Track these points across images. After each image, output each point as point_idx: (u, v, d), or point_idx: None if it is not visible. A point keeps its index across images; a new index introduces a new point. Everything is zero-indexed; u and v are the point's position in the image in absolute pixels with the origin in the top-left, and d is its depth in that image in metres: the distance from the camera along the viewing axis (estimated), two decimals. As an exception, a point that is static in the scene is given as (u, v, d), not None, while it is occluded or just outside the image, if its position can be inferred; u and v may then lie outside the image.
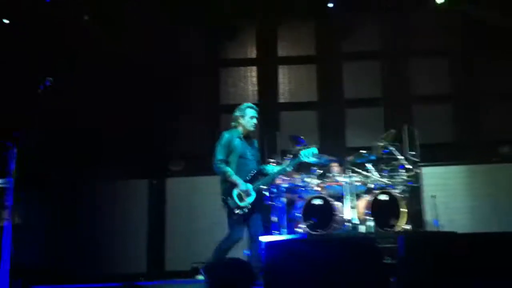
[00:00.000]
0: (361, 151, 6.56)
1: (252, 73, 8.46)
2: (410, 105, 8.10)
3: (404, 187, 6.42)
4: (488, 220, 6.56)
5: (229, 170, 5.17)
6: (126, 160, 7.29)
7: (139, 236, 6.81)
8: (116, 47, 7.66)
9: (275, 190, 6.56)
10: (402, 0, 8.18)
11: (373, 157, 6.59)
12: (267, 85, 8.41)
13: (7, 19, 7.40)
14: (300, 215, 6.22)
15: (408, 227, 6.16)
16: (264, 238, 6.16)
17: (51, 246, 6.74)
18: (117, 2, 7.77)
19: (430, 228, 6.52)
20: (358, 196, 6.41)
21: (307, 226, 6.13)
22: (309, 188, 6.49)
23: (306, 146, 6.70)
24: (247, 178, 5.21)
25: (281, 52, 8.56)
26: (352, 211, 6.25)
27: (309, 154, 5.45)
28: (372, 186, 6.48)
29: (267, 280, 4.01)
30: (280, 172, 5.52)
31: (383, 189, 6.32)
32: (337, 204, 6.28)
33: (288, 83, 8.46)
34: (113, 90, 7.60)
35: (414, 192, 6.62)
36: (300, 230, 6.22)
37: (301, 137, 6.84)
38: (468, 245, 3.75)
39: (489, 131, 7.70)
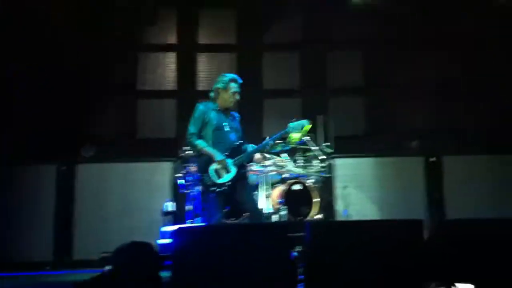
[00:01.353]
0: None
1: (171, 59, 8.29)
2: (327, 97, 8.26)
3: (317, 178, 6.57)
4: (396, 210, 6.80)
5: (201, 143, 4.82)
6: (32, 143, 6.93)
7: (46, 224, 6.50)
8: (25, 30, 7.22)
9: (190, 178, 6.49)
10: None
11: (288, 147, 6.65)
12: (186, 72, 8.27)
13: None
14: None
15: (320, 216, 6.30)
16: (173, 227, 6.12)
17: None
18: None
19: (340, 217, 6.69)
20: (273, 186, 6.47)
21: (221, 215, 6.10)
22: (224, 177, 6.45)
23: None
24: (226, 152, 4.84)
25: (202, 39, 8.45)
26: (267, 201, 6.30)
27: (298, 127, 4.95)
28: (287, 175, 6.56)
29: (175, 267, 3.95)
30: (263, 146, 5.03)
31: (297, 179, 6.42)
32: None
33: (209, 71, 8.37)
34: (22, 66, 7.18)
35: (326, 183, 6.78)
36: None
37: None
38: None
39: (400, 124, 8.00)
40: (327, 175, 6.64)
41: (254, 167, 6.52)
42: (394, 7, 7.94)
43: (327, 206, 6.69)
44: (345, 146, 7.18)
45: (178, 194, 6.63)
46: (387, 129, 7.93)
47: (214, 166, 4.77)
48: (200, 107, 4.96)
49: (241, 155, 4.89)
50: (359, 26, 8.06)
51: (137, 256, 4.04)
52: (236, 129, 5.04)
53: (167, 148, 7.42)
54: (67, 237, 6.49)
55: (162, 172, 6.85)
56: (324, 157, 6.47)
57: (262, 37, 8.52)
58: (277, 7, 8.30)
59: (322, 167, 6.50)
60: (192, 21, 8.44)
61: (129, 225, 6.49)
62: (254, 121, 8.23)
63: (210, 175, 4.76)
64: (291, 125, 4.97)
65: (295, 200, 6.26)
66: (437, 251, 3.81)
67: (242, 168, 4.94)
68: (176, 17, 8.44)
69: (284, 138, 5.08)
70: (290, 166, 6.52)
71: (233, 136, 4.95)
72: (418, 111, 7.92)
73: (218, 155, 4.77)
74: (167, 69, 8.27)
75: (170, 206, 6.50)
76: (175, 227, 6.05)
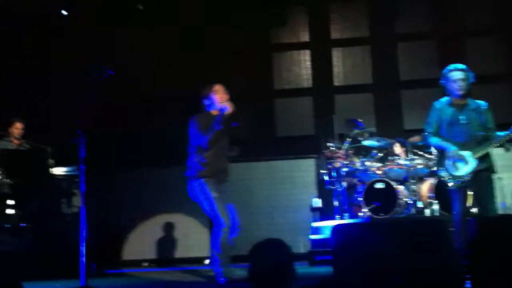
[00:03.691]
0: (422, 133, 6.42)
1: (305, 57, 8.38)
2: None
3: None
4: None
5: (434, 139, 4.76)
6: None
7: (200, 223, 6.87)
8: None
9: (334, 174, 6.53)
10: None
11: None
12: (321, 68, 8.31)
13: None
14: (362, 199, 6.16)
15: (474, 210, 6.01)
16: (326, 223, 6.18)
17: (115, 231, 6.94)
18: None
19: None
20: (420, 179, 6.30)
21: (370, 210, 6.07)
22: (369, 172, 6.41)
23: (365, 129, 6.64)
24: (462, 144, 4.63)
25: (334, 34, 8.44)
26: (415, 195, 6.16)
27: None
28: (435, 168, 6.34)
29: (336, 265, 3.98)
30: (508, 136, 4.62)
31: (447, 172, 6.17)
32: (399, 187, 6.18)
33: (343, 66, 8.34)
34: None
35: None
36: (362, 215, 6.16)
37: (359, 120, 6.78)
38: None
39: None
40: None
41: (400, 160, 6.41)
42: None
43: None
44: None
45: (323, 190, 6.69)
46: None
47: (451, 160, 4.66)
48: (435, 105, 4.90)
49: (481, 147, 4.61)
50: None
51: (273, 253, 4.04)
52: (476, 120, 4.71)
53: (307, 145, 7.51)
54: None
55: (305, 168, 6.92)
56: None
57: (394, 28, 8.31)
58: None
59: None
60: (323, 16, 8.45)
61: (276, 222, 6.66)
62: (392, 112, 8.07)
63: (447, 168, 4.68)
64: None
65: (446, 194, 6.01)
66: None
67: (484, 161, 4.65)
68: (307, 15, 8.50)
69: None
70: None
71: (471, 128, 4.67)
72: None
73: (450, 147, 4.65)
74: (302, 66, 8.35)
75: (317, 202, 6.57)
76: (326, 223, 6.14)
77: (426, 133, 4.85)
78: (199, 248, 6.75)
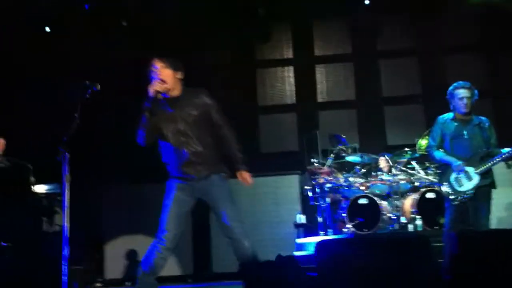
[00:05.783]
0: (405, 148, 6.50)
1: (289, 73, 8.44)
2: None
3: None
4: None
5: (438, 153, 4.76)
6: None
7: (185, 239, 6.80)
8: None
9: (318, 190, 6.54)
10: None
11: (416, 155, 6.52)
12: (305, 84, 8.37)
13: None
14: (345, 215, 6.18)
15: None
16: (310, 239, 6.18)
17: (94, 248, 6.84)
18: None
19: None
20: (403, 195, 6.35)
21: (353, 226, 6.08)
22: (353, 188, 6.44)
23: (348, 145, 6.68)
24: (466, 159, 4.63)
25: (318, 51, 8.52)
26: (398, 210, 6.19)
27: None
28: (418, 184, 6.40)
29: (320, 282, 3.97)
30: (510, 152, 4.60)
31: (430, 187, 6.23)
32: (382, 203, 6.22)
33: (326, 82, 8.42)
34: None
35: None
36: (346, 230, 6.17)
37: (342, 136, 6.83)
38: None
39: None
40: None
41: (384, 176, 6.45)
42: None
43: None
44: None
45: (307, 206, 6.70)
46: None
47: (454, 174, 4.66)
48: (438, 119, 4.91)
49: (485, 164, 4.61)
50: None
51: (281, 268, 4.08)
52: (479, 135, 4.75)
53: (291, 161, 7.53)
54: (205, 251, 6.74)
55: (289, 185, 6.93)
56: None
57: (376, 44, 8.41)
58: (387, 13, 8.16)
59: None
60: (307, 33, 8.53)
61: (261, 238, 6.61)
62: (375, 128, 8.15)
63: (451, 183, 4.67)
64: None
65: (429, 209, 6.07)
66: None
67: (486, 177, 4.64)
68: (290, 31, 8.58)
69: None
70: (422, 174, 6.36)
71: (474, 144, 4.71)
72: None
73: (455, 162, 4.66)
74: (286, 83, 8.41)
75: (301, 218, 6.57)
76: (310, 239, 6.14)
77: (429, 146, 4.88)
78: (183, 266, 6.69)
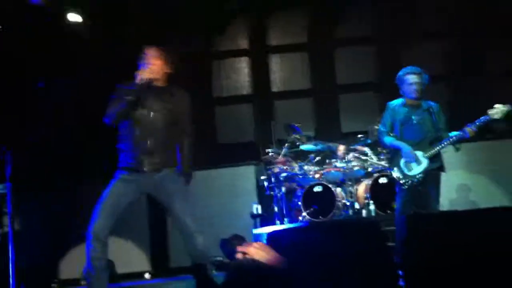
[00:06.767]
0: (359, 135, 6.58)
1: (244, 64, 8.41)
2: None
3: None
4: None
5: (388, 139, 4.84)
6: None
7: (142, 235, 6.72)
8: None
9: (273, 180, 6.56)
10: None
11: (369, 141, 6.60)
12: (260, 75, 8.35)
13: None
14: (301, 203, 6.21)
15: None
16: (266, 229, 6.19)
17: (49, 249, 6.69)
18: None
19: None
20: (357, 181, 6.42)
21: (308, 214, 6.12)
22: (307, 176, 6.48)
23: (302, 134, 6.70)
24: (415, 144, 4.74)
25: (273, 41, 8.50)
26: (352, 196, 6.27)
27: (500, 113, 4.62)
28: (371, 169, 6.49)
29: (273, 273, 3.98)
30: (460, 136, 4.70)
31: (382, 172, 6.32)
32: (336, 190, 6.28)
33: (281, 72, 8.41)
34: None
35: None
36: (301, 219, 6.21)
37: (297, 124, 6.85)
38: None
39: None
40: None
41: (338, 163, 6.51)
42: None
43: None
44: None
45: (263, 197, 6.70)
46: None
47: (404, 160, 4.74)
48: (389, 105, 4.95)
49: (434, 147, 4.72)
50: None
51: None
52: (429, 120, 4.83)
53: (247, 152, 7.51)
54: (163, 245, 6.67)
55: (245, 175, 6.91)
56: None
57: (332, 33, 8.43)
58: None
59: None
60: (262, 23, 8.49)
61: (219, 230, 6.59)
62: (331, 116, 8.19)
63: (401, 167, 4.74)
64: (492, 111, 4.64)
65: (382, 194, 6.16)
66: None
67: (435, 160, 4.76)
68: (245, 22, 8.52)
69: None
70: (374, 160, 6.44)
71: (423, 128, 4.80)
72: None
73: (405, 147, 4.73)
74: (241, 73, 8.37)
75: (258, 208, 6.58)
76: (267, 229, 6.15)
77: (380, 132, 4.93)
78: (140, 262, 6.62)
